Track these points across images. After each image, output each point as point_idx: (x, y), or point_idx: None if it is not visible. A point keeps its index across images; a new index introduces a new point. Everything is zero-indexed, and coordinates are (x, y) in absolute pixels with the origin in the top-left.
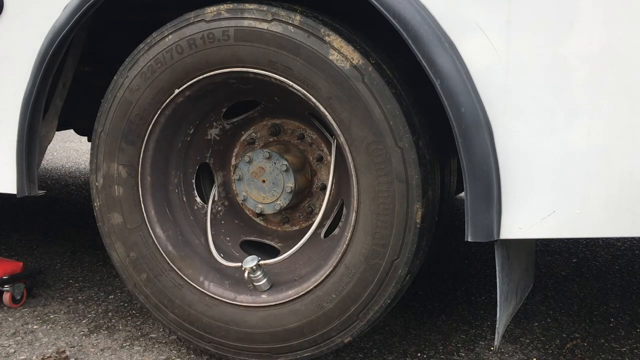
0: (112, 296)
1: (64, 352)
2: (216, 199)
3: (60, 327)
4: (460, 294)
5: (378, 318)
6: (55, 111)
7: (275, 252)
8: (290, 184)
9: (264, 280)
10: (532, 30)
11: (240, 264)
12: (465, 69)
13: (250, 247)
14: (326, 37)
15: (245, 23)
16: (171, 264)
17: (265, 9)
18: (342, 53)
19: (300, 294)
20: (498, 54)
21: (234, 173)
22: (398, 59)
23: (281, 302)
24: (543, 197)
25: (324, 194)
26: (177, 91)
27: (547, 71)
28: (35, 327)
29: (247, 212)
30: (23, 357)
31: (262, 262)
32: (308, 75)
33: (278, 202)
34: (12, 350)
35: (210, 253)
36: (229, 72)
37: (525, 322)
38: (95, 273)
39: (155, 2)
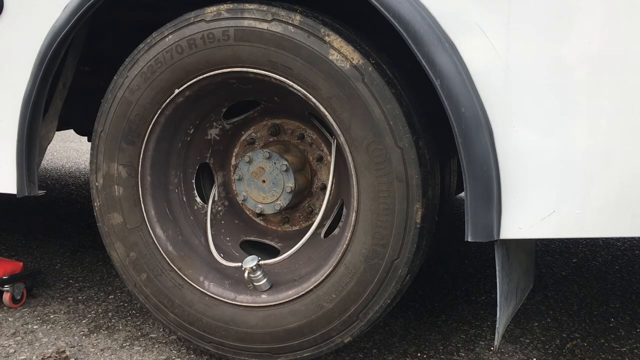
0: (112, 296)
1: (64, 352)
2: (216, 199)
3: (60, 327)
4: (460, 294)
5: (378, 318)
6: (55, 111)
7: (275, 252)
8: (290, 184)
9: (264, 280)
10: (532, 31)
11: (240, 264)
12: (465, 69)
13: (250, 247)
14: (326, 37)
15: (245, 23)
16: (171, 264)
17: (265, 9)
18: (342, 53)
19: (300, 294)
20: (498, 54)
21: (234, 173)
22: (398, 59)
23: (281, 302)
24: (543, 197)
25: (324, 194)
26: (177, 91)
27: (547, 71)
28: (35, 327)
29: (247, 212)
30: (23, 357)
31: (262, 262)
32: (308, 75)
33: (278, 202)
34: (12, 350)
35: (210, 253)
36: (229, 72)
37: (525, 322)
38: (95, 273)
39: (155, 2)
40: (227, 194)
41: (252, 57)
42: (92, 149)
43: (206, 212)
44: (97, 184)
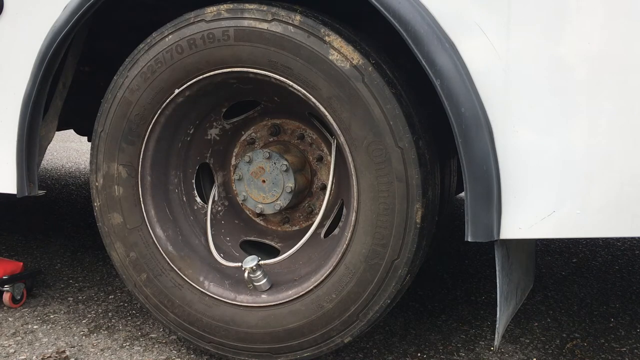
0: (112, 296)
1: (64, 352)
2: (216, 199)
3: (60, 327)
4: (460, 294)
5: (378, 318)
6: (55, 111)
7: (275, 252)
8: (290, 184)
9: (264, 280)
10: (532, 30)
11: (240, 264)
12: (465, 69)
13: (250, 247)
14: (326, 37)
15: (245, 23)
16: (171, 264)
17: (265, 9)
18: (342, 53)
19: (300, 294)
20: (498, 54)
21: (234, 173)
22: (398, 58)
23: (281, 302)
24: (543, 197)
25: (324, 194)
26: (177, 91)
27: (547, 71)
28: (35, 327)
29: (247, 212)
30: (23, 357)
31: (262, 262)
32: (308, 75)
33: (278, 202)
34: (12, 350)
35: (210, 253)
36: (229, 72)
37: (525, 322)
38: (95, 273)
39: (155, 2)
40: (227, 194)
41: (252, 57)
42: (92, 149)
43: (206, 212)
44: (97, 184)
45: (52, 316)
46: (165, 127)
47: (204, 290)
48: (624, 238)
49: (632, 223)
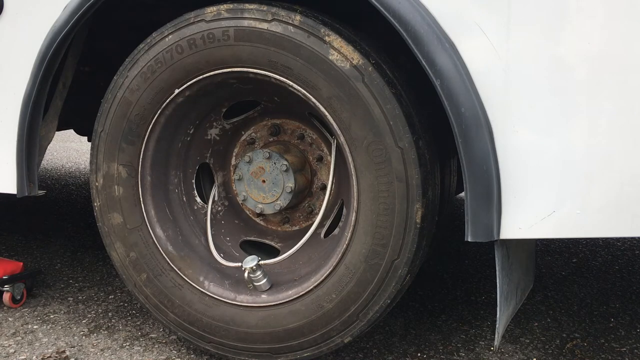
0: (112, 296)
1: (64, 352)
2: (216, 199)
3: (60, 327)
4: (460, 294)
5: (378, 318)
6: (55, 111)
7: (275, 252)
8: (290, 184)
9: (264, 280)
10: (532, 31)
11: (240, 264)
12: (465, 69)
13: (250, 247)
14: (326, 37)
15: (245, 23)
16: (171, 264)
17: (265, 9)
18: (342, 53)
19: (300, 294)
20: (498, 54)
21: (234, 173)
22: (398, 58)
23: (281, 302)
24: (543, 197)
25: (324, 194)
26: (177, 91)
27: (547, 71)
28: (35, 327)
29: (247, 212)
30: (23, 357)
31: (262, 262)
32: (308, 75)
33: (278, 202)
34: (12, 350)
35: (210, 253)
36: (229, 72)
37: (525, 322)
38: (95, 273)
39: (155, 2)
40: (227, 194)
41: (252, 57)
42: (92, 149)
43: (206, 212)
44: (97, 184)
45: (52, 316)
46: (165, 127)
47: (204, 290)
48: (624, 238)
49: (632, 223)
